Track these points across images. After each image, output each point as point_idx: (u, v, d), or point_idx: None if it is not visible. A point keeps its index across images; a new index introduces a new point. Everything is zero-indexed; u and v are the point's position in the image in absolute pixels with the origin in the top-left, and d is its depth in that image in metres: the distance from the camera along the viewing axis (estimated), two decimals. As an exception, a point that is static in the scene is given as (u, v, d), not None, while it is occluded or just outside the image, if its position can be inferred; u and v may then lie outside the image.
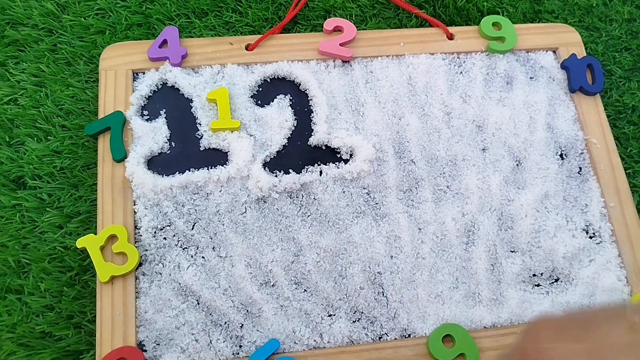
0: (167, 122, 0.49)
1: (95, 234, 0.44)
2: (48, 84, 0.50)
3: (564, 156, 0.52)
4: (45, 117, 0.48)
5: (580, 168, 0.51)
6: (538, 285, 0.47)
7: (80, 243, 0.43)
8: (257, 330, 0.43)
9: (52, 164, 0.47)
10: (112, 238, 0.44)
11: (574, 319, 0.29)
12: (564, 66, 0.55)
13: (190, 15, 0.54)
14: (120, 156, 0.46)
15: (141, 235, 0.45)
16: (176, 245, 0.45)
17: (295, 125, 0.50)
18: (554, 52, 0.56)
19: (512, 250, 0.48)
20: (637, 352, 0.26)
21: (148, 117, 0.49)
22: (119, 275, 0.43)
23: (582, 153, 0.52)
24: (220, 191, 0.47)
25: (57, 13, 0.52)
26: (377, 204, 0.48)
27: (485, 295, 0.46)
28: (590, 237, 0.49)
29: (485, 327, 0.45)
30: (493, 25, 0.55)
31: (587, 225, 0.50)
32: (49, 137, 0.48)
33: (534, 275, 0.48)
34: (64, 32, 0.52)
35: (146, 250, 0.44)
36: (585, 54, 0.55)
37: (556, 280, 0.48)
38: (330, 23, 0.53)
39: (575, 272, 0.48)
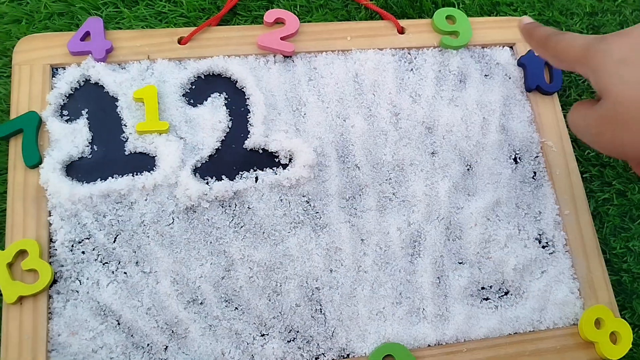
0: (89, 124, 0.44)
1: (3, 248, 0.40)
2: (-45, 79, 0.45)
3: (517, 160, 0.49)
4: (-48, 116, 0.44)
5: (534, 173, 0.49)
6: (487, 299, 0.45)
7: (-16, 260, 0.39)
8: (183, 352, 0.40)
9: (-43, 169, 0.42)
10: (22, 253, 0.40)
11: None
12: (520, 63, 0.51)
13: (118, 4, 0.49)
14: (33, 162, 0.42)
15: (56, 250, 0.41)
16: (95, 260, 0.41)
17: (230, 126, 0.46)
18: (511, 47, 0.53)
19: (460, 261, 0.45)
20: None
21: (68, 117, 0.44)
22: (29, 295, 0.39)
23: (537, 157, 0.49)
24: (146, 200, 0.43)
25: (-30, -1, 0.47)
26: (317, 213, 0.45)
27: (430, 310, 0.43)
28: (543, 247, 0.47)
29: (429, 346, 0.43)
30: (447, 18, 0.51)
31: (540, 234, 0.47)
32: (-45, 139, 0.43)
33: (483, 288, 0.45)
34: (-24, 21, 0.47)
35: (62, 265, 0.40)
36: (543, 50, 0.52)
37: (506, 294, 0.45)
38: (271, 15, 0.49)
39: (526, 285, 0.45)
